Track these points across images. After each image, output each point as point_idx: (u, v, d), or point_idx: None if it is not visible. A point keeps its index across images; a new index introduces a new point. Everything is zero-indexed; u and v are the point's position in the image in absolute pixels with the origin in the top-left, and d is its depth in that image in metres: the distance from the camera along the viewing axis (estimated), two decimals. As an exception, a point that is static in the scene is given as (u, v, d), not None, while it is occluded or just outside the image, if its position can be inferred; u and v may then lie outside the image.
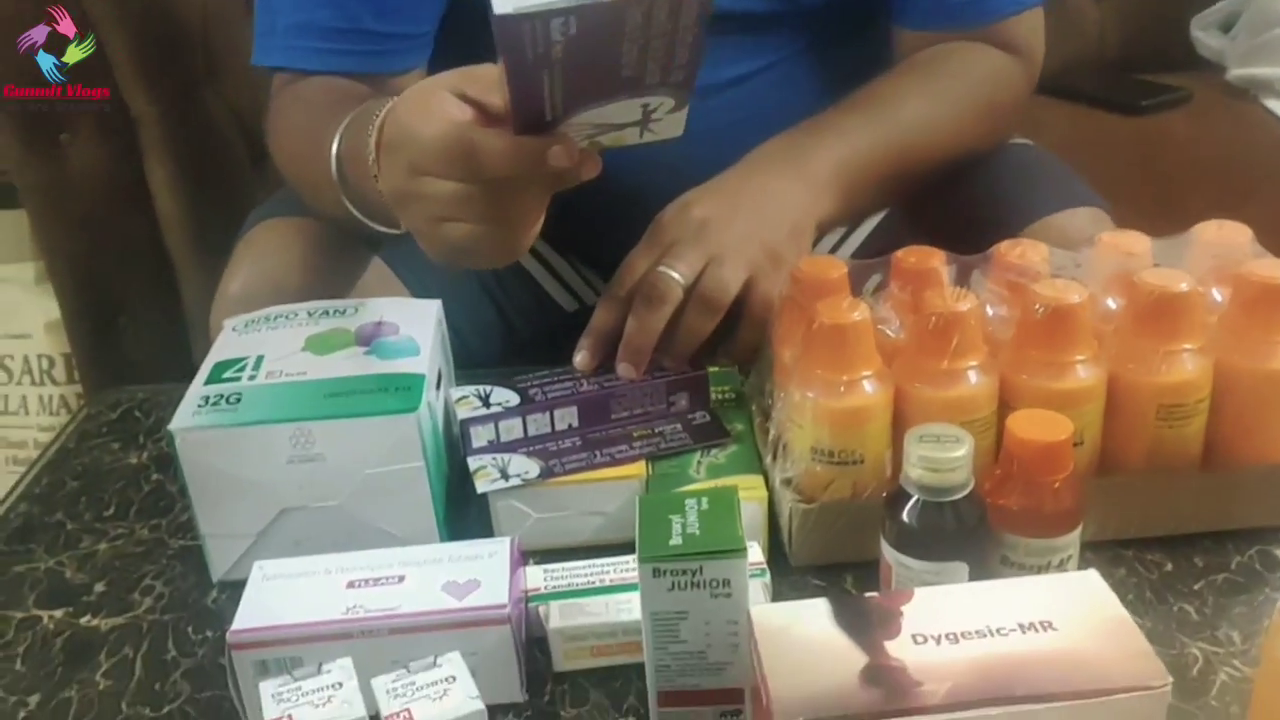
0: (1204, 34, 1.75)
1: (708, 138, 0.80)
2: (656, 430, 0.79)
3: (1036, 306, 0.70)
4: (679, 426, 0.79)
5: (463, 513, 0.77)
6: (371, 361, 0.76)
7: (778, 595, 0.68)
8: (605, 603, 0.67)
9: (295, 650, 0.62)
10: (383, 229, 0.81)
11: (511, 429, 0.78)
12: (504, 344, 1.07)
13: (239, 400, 0.73)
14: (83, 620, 0.74)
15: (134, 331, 1.61)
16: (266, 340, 0.80)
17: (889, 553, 0.63)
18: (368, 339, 0.79)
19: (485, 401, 0.79)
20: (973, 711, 0.46)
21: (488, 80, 0.67)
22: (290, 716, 0.55)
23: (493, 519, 0.76)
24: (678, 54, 0.61)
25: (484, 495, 0.75)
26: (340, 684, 0.57)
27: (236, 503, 0.73)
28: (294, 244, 0.95)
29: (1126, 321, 0.72)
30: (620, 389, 0.80)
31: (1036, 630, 0.49)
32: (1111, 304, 0.75)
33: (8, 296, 1.70)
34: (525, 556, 0.71)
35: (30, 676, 0.70)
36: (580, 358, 0.82)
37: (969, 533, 0.61)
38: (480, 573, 0.65)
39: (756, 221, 0.83)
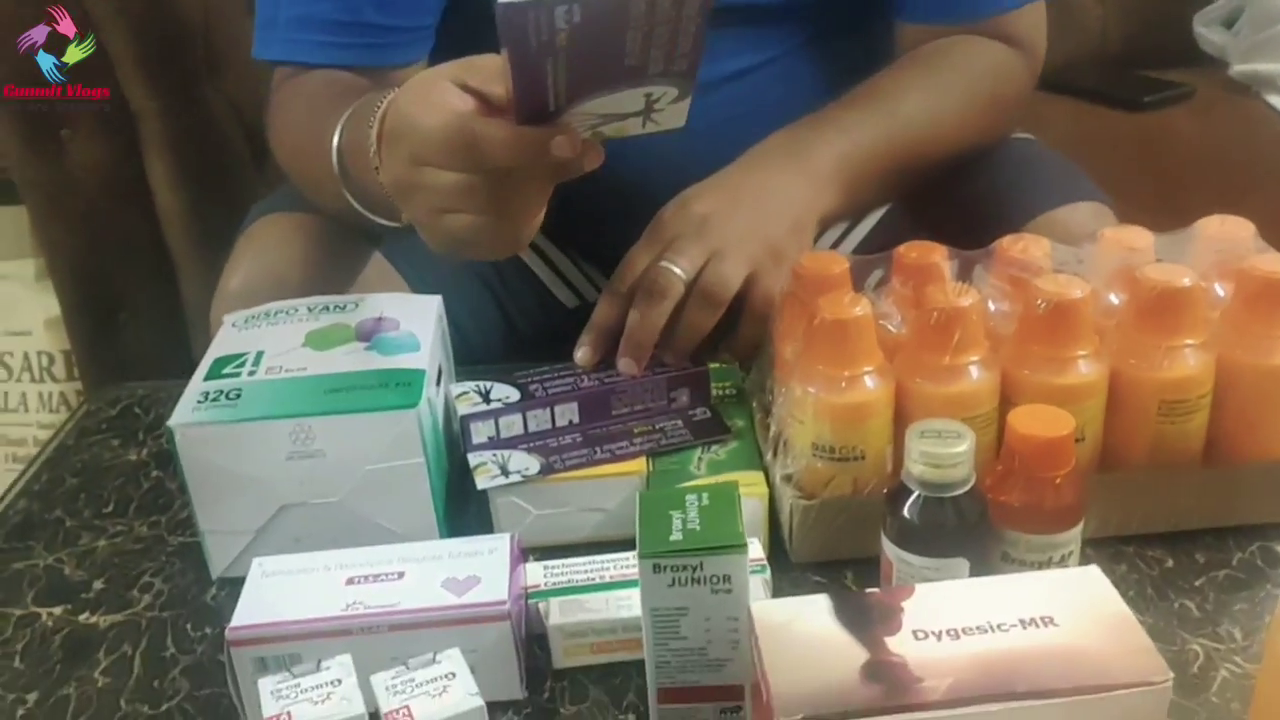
0: (1207, 30, 1.75)
1: (709, 133, 0.79)
2: (657, 426, 0.79)
3: (1038, 302, 0.69)
4: (680, 422, 0.79)
5: (463, 509, 0.77)
6: (372, 357, 0.76)
7: (778, 591, 0.68)
8: (605, 599, 0.66)
9: (294, 647, 0.62)
10: (383, 222, 0.81)
11: (512, 425, 0.78)
12: (505, 340, 1.07)
13: (239, 396, 0.73)
14: (81, 617, 0.74)
15: (134, 328, 1.61)
16: (266, 336, 0.79)
17: (890, 549, 0.63)
18: (368, 334, 0.78)
19: (485, 397, 0.79)
20: (974, 707, 0.46)
21: (490, 70, 0.67)
22: (289, 713, 0.55)
23: (493, 515, 0.75)
24: (681, 42, 0.61)
25: (484, 491, 0.74)
26: (339, 681, 0.57)
27: (236, 499, 0.73)
28: (294, 239, 0.95)
29: (1128, 317, 0.72)
30: (621, 385, 0.80)
31: (1037, 626, 0.49)
32: (1113, 299, 0.74)
33: (7, 293, 1.70)
34: (525, 553, 0.71)
35: (29, 674, 0.70)
36: (581, 353, 0.82)
37: (970, 529, 0.61)
38: (480, 569, 0.65)
39: (758, 217, 0.83)
